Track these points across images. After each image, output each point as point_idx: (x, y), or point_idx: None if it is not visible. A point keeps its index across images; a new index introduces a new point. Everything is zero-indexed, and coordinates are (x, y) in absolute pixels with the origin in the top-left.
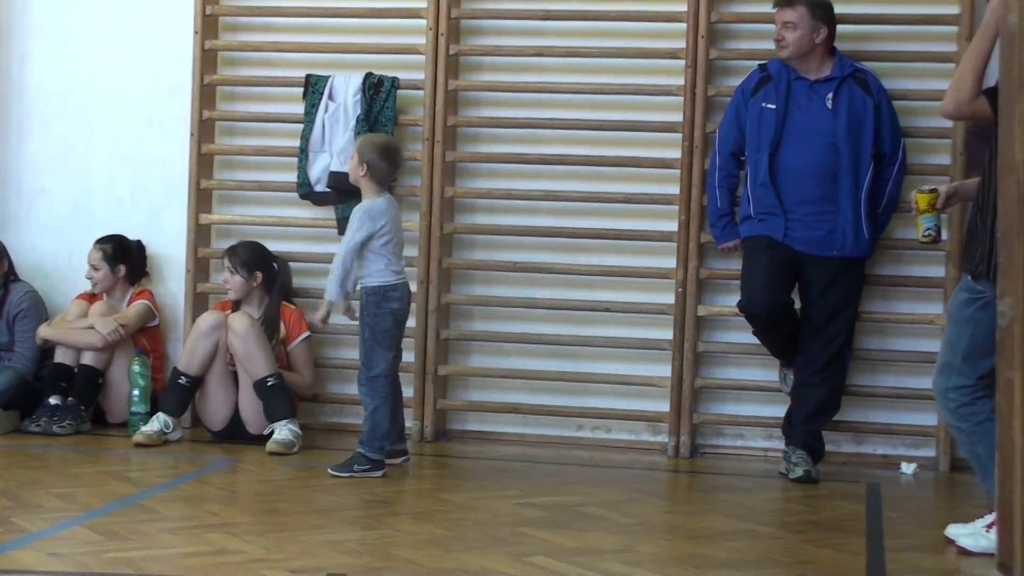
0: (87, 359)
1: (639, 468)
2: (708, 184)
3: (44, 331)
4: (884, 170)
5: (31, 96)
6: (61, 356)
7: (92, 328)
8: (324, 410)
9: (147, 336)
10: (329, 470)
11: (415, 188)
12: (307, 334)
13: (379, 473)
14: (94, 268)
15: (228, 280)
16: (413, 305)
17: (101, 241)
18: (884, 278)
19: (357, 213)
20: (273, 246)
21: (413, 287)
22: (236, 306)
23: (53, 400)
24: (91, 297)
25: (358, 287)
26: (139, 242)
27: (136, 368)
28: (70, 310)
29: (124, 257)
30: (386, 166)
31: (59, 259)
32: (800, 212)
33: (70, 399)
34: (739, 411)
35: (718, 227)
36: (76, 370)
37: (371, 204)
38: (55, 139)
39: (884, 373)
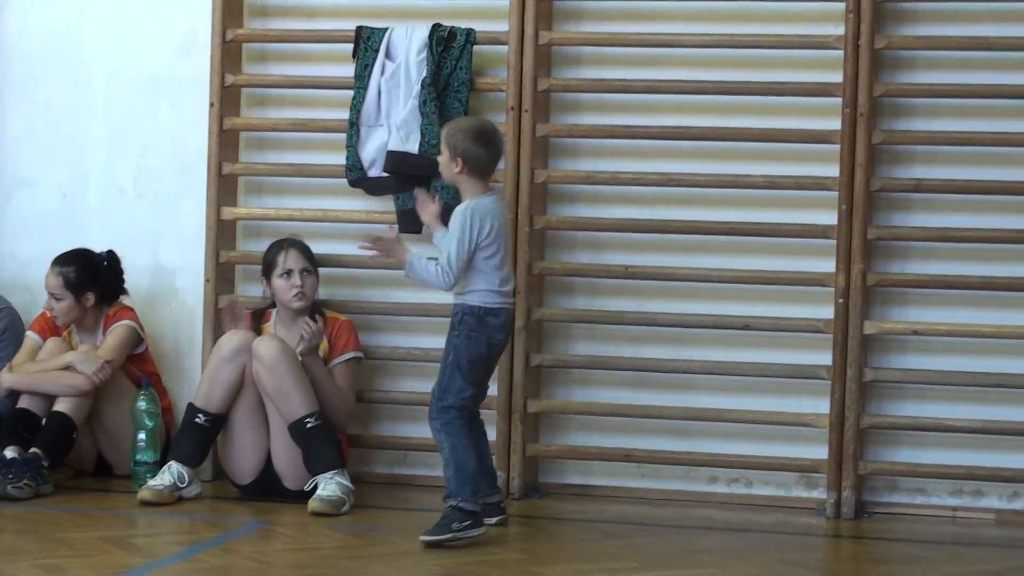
0: (62, 404)
1: (788, 532)
2: None
3: (8, 379)
4: None
5: (8, 56)
6: (27, 401)
7: (70, 369)
8: (381, 458)
9: (135, 365)
10: (421, 538)
11: (497, 172)
12: (356, 354)
13: (481, 530)
14: (55, 298)
15: (303, 283)
16: None
17: (60, 263)
18: None
19: (459, 215)
20: (317, 247)
21: None
22: (257, 322)
23: (9, 453)
24: (51, 329)
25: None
26: (111, 253)
27: (142, 405)
28: (45, 350)
29: (92, 281)
30: (485, 153)
31: (44, 266)
32: None
33: (32, 451)
34: (919, 458)
35: None
36: (44, 420)
37: (475, 204)
38: (39, 113)
39: None
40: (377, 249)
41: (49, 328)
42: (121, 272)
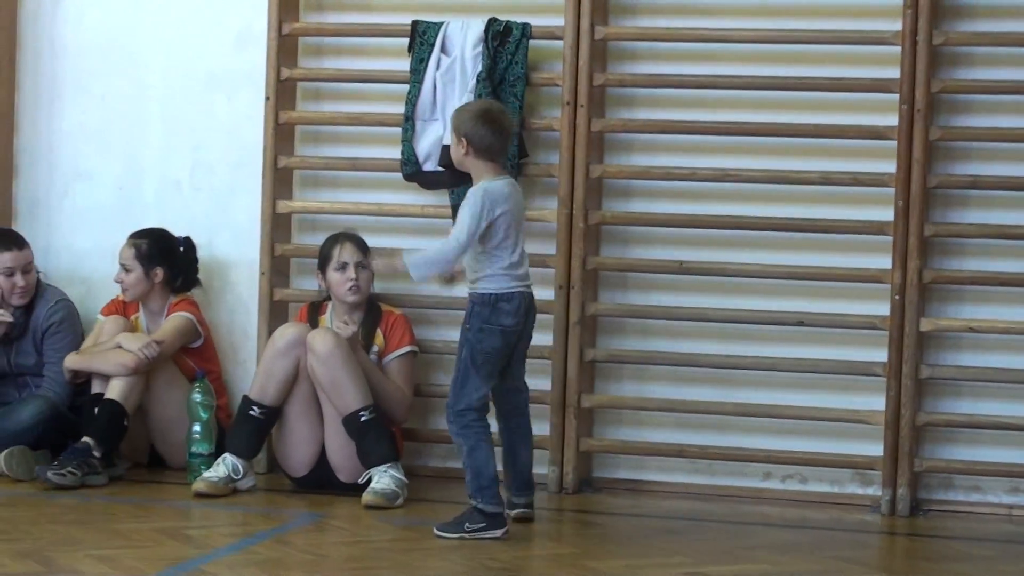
0: (113, 391)
1: (843, 529)
2: None
3: (72, 360)
4: None
5: (65, 51)
6: (99, 385)
7: (120, 348)
8: (435, 452)
9: (192, 359)
10: (435, 529)
11: (552, 167)
12: (411, 348)
13: (498, 532)
14: (125, 269)
15: (358, 276)
16: (549, 318)
17: (136, 236)
18: None
19: (472, 195)
20: (371, 241)
21: (549, 294)
22: (313, 315)
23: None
24: (120, 312)
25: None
26: (187, 240)
27: (197, 397)
28: (104, 330)
29: (163, 257)
30: (490, 133)
31: (100, 259)
32: None
33: (83, 440)
34: (975, 455)
35: None
36: (96, 408)
37: (488, 185)
38: (95, 106)
39: None
40: (381, 268)
41: (118, 312)
42: (195, 260)
